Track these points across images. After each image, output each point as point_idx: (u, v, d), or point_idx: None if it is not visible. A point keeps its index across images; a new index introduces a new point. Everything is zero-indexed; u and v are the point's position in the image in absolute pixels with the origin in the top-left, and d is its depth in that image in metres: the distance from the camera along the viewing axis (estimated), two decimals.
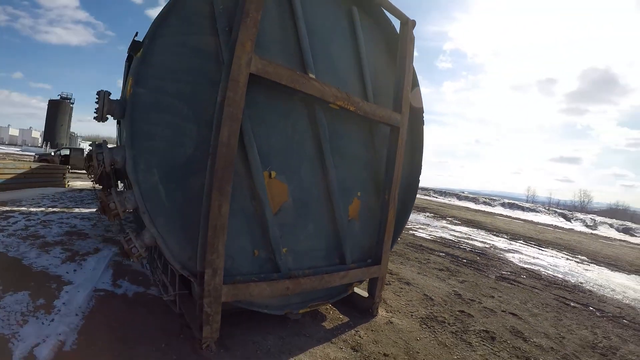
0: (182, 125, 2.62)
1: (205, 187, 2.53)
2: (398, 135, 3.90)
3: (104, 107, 2.52)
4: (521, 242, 13.69)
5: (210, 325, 2.63)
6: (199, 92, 2.65)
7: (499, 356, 3.65)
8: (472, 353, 3.62)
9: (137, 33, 2.76)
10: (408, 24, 3.83)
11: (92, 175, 2.66)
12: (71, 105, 49.20)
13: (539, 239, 15.63)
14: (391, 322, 4.06)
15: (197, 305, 2.65)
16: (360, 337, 3.54)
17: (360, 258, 4.11)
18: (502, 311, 5.10)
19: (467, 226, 16.41)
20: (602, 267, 10.43)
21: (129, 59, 2.96)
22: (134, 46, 2.56)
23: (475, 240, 12.22)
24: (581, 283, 7.80)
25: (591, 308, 5.95)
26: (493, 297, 5.75)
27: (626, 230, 26.58)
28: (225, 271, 2.65)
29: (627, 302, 6.80)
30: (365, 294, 4.28)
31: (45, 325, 2.92)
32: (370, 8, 3.84)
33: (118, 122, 3.45)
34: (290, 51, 3.12)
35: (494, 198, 44.07)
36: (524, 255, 10.45)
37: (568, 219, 29.30)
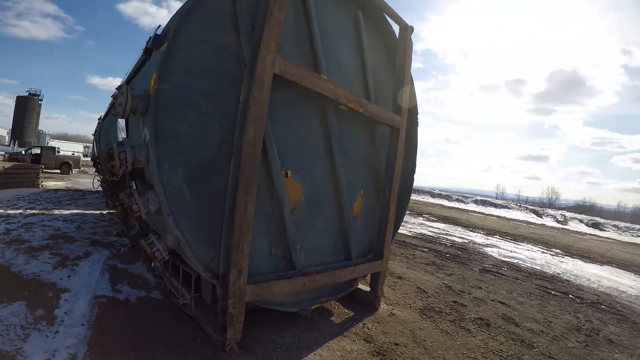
0: (205, 124, 2.62)
1: (229, 187, 2.58)
2: (398, 136, 4.15)
3: (128, 103, 2.45)
4: (497, 237, 14.40)
5: (234, 327, 2.68)
6: (220, 90, 2.66)
7: (496, 340, 3.97)
8: (473, 338, 3.92)
9: (159, 26, 2.73)
10: (407, 30, 4.09)
11: (112, 176, 2.56)
12: (40, 102, 47.30)
13: (514, 234, 16.47)
14: (393, 314, 4.30)
15: (219, 307, 2.69)
16: (368, 329, 3.75)
17: (363, 254, 4.33)
18: (492, 300, 5.47)
19: (444, 222, 17.06)
20: (576, 259, 11.19)
21: (147, 52, 2.91)
22: (157, 40, 2.55)
23: (454, 236, 12.76)
24: (558, 274, 8.39)
25: (571, 296, 6.46)
26: (481, 288, 6.13)
27: (595, 225, 28.37)
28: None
29: (603, 290, 7.41)
30: (367, 288, 4.50)
31: (50, 339, 2.76)
32: (373, 13, 4.05)
33: (126, 120, 3.45)
34: (304, 52, 3.23)
35: (466, 195, 45.66)
36: (502, 249, 11.04)
37: (539, 215, 30.88)
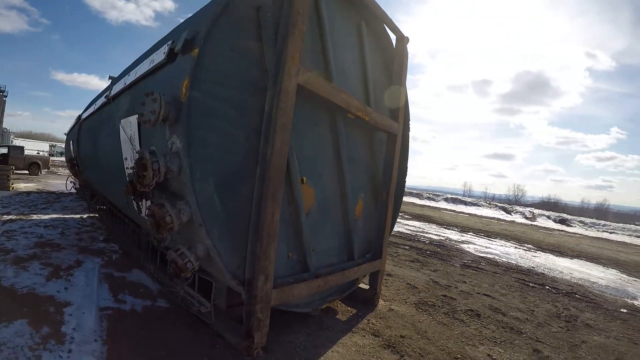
0: (232, 132, 2.69)
1: (255, 195, 2.69)
2: (395, 141, 4.47)
3: (162, 111, 2.44)
4: (471, 234, 15.15)
5: (260, 331, 2.79)
6: (245, 98, 2.74)
7: (488, 328, 4.36)
8: (468, 328, 4.29)
9: (187, 30, 2.68)
10: (404, 40, 4.41)
11: (143, 187, 2.54)
12: (4, 98, 44.31)
13: (487, 230, 17.34)
14: (392, 310, 4.60)
15: (244, 312, 2.79)
16: (373, 324, 4.02)
17: (362, 254, 4.61)
18: (477, 293, 5.91)
19: (419, 220, 17.71)
20: (548, 254, 12.02)
21: (170, 56, 2.86)
22: (187, 45, 2.56)
23: (430, 233, 13.33)
24: (533, 267, 9.04)
25: (547, 287, 7.04)
26: (465, 282, 6.57)
27: (562, 221, 30.25)
28: None
29: (575, 281, 8.10)
30: (366, 286, 4.78)
31: (64, 359, 2.64)
32: (374, 24, 4.31)
33: (139, 125, 3.47)
34: (317, 61, 3.39)
35: (437, 194, 47.17)
36: (478, 246, 11.68)
37: (508, 212, 32.48)
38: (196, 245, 2.62)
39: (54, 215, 7.89)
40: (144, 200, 3.07)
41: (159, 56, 3.01)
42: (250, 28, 2.77)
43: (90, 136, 6.53)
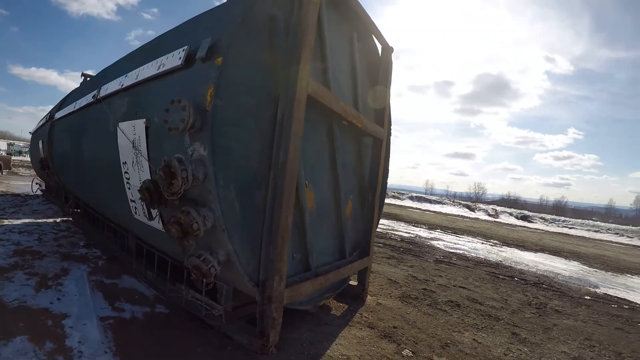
0: (249, 140, 2.81)
1: (269, 200, 2.86)
2: (381, 146, 4.81)
3: (190, 119, 2.48)
4: (439, 231, 15.91)
5: (275, 329, 2.94)
6: (259, 106, 2.86)
7: (469, 317, 4.80)
8: (451, 317, 4.71)
9: (210, 38, 2.72)
10: (389, 50, 4.75)
11: (171, 195, 2.56)
12: None
13: (454, 227, 18.23)
14: (380, 304, 4.93)
15: (257, 312, 2.95)
16: (366, 318, 4.32)
17: (351, 252, 4.90)
18: (454, 286, 6.39)
19: (387, 219, 18.33)
20: (513, 248, 12.90)
21: (188, 61, 2.88)
22: (212, 52, 2.62)
23: (400, 231, 13.91)
24: (501, 261, 9.75)
25: (516, 279, 7.68)
26: (441, 276, 7.05)
27: (524, 218, 32.18)
28: None
29: (541, 273, 8.88)
30: (354, 282, 5.09)
31: None
32: (363, 34, 4.60)
33: (146, 129, 3.28)
34: (316, 70, 3.52)
35: (402, 192, 48.57)
36: (447, 242, 12.35)
37: (472, 210, 34.08)
38: (217, 250, 2.72)
39: (26, 220, 7.60)
40: (156, 207, 3.07)
41: (172, 60, 3.03)
42: (265, 37, 2.88)
43: (68, 137, 6.31)
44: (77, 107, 5.68)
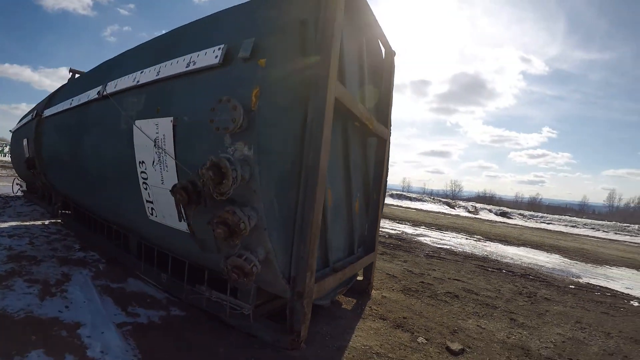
0: (284, 140, 2.90)
1: (301, 199, 2.97)
2: (386, 145, 5.08)
3: (241, 120, 2.54)
4: (424, 227, 16.41)
5: (305, 324, 3.05)
6: (290, 107, 2.95)
7: (469, 306, 5.16)
8: (452, 307, 5.04)
9: (253, 39, 2.77)
10: (392, 54, 5.02)
11: (220, 195, 2.59)
12: None
13: (437, 224, 18.82)
14: (385, 297, 5.21)
15: (288, 308, 3.06)
16: (376, 310, 4.58)
17: (358, 248, 5.15)
18: (448, 279, 6.76)
19: None
20: (497, 243, 13.51)
21: (226, 60, 2.90)
22: (256, 53, 2.68)
23: (386, 228, 14.27)
24: (487, 255, 10.27)
25: (504, 271, 8.15)
26: (435, 270, 7.41)
27: (503, 214, 33.46)
28: None
29: (526, 265, 9.43)
30: (360, 277, 5.34)
31: None
32: (371, 40, 4.83)
33: (174, 128, 3.27)
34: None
35: None
36: (433, 238, 12.81)
37: (452, 207, 35.11)
38: (257, 249, 2.80)
39: (13, 223, 7.44)
40: (194, 208, 3.04)
41: (206, 59, 3.05)
42: (297, 41, 2.96)
43: (63, 135, 6.18)
44: (75, 104, 5.55)
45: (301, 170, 3.03)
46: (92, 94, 4.92)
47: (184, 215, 3.17)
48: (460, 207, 35.65)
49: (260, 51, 2.71)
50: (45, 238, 6.60)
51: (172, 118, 3.27)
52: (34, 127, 7.61)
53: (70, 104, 5.73)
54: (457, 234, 14.99)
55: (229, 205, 2.73)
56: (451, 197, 68.04)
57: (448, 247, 11.03)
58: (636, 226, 29.80)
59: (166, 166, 3.40)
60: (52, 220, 8.10)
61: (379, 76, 5.13)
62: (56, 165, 6.96)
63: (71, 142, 5.82)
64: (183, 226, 3.42)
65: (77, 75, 7.94)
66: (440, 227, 17.06)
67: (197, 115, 3.08)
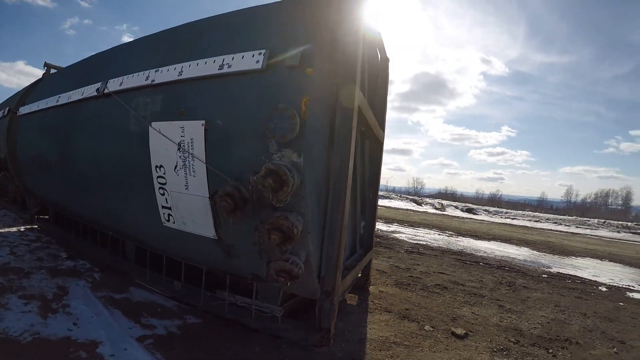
0: (320, 148, 3.03)
1: (330, 203, 3.16)
2: (381, 147, 5.45)
3: (297, 129, 2.68)
4: (396, 224, 17.01)
5: (333, 321, 3.26)
6: (323, 115, 3.09)
7: (459, 296, 5.67)
8: (445, 297, 5.52)
9: (303, 48, 2.84)
10: (387, 60, 5.38)
11: (278, 203, 2.71)
12: None
13: (408, 221, 19.55)
14: (382, 291, 5.58)
15: (317, 307, 3.26)
16: (379, 304, 4.94)
17: (359, 246, 5.46)
18: (434, 272, 7.26)
19: None
20: (468, 238, 14.33)
21: (268, 65, 2.95)
22: (304, 63, 2.78)
23: None
24: (462, 249, 10.96)
25: (481, 263, 8.82)
26: (419, 264, 7.90)
27: (469, 210, 35.05)
28: None
29: (499, 258, 10.21)
30: (359, 274, 5.67)
31: None
32: (370, 45, 4.99)
33: (205, 132, 3.27)
34: None
35: None
36: (408, 234, 13.40)
37: (419, 204, 36.34)
38: (299, 252, 2.94)
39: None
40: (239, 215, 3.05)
41: (244, 62, 3.07)
42: (327, 49, 3.06)
43: (47, 135, 5.79)
44: (64, 101, 5.21)
45: (329, 175, 3.23)
46: (89, 91, 4.65)
47: (220, 222, 3.25)
48: (427, 204, 37.00)
49: (307, 60, 2.81)
50: (27, 247, 6.31)
51: (203, 121, 3.24)
52: (6, 125, 7.19)
53: (57, 101, 5.39)
54: (429, 230, 15.71)
55: (280, 211, 2.85)
56: (413, 194, 70.19)
57: (424, 242, 11.62)
58: (595, 220, 32.65)
59: (193, 171, 3.37)
60: (28, 227, 7.79)
61: (375, 81, 5.49)
62: (35, 167, 6.53)
63: (58, 143, 5.46)
64: (207, 232, 3.47)
65: (52, 71, 7.56)
66: (412, 224, 17.76)
67: (234, 120, 3.14)
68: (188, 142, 3.38)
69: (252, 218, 3.02)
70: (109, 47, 5.44)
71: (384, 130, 5.49)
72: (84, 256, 5.93)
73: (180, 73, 3.54)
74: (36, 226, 7.71)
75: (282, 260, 2.88)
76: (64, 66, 7.01)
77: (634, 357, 4.04)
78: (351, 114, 3.17)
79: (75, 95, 4.99)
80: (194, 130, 3.32)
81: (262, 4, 3.60)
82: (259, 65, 2.98)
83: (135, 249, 4.88)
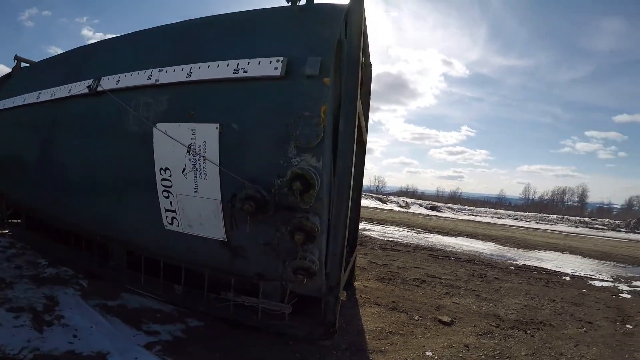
0: (330, 151, 3.19)
1: (334, 203, 3.31)
2: (365, 149, 5.80)
3: (322, 135, 2.91)
4: (365, 222, 17.43)
5: (337, 315, 3.48)
6: (331, 120, 3.21)
7: (438, 287, 6.15)
8: (425, 290, 5.97)
9: (320, 59, 3.00)
10: (370, 66, 5.71)
11: (305, 205, 2.89)
12: None
13: (376, 219, 20.11)
14: (367, 286, 5.91)
15: (324, 302, 3.47)
16: (367, 297, 5.26)
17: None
18: (410, 267, 7.71)
19: None
20: (436, 234, 15.03)
21: (287, 73, 3.09)
22: (323, 73, 2.96)
23: None
24: (432, 245, 11.57)
25: (452, 258, 9.43)
26: (395, 260, 8.32)
27: (433, 208, 36.39)
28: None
29: (468, 252, 10.91)
30: None
31: None
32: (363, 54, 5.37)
33: (219, 135, 3.36)
34: None
35: None
36: (378, 232, 13.85)
37: (384, 202, 37.27)
38: (314, 251, 3.15)
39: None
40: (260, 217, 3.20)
41: (260, 68, 3.16)
42: (337, 59, 3.22)
43: (25, 134, 5.46)
44: (46, 98, 4.93)
45: (333, 177, 3.39)
46: (78, 88, 4.42)
47: (233, 224, 3.35)
48: (391, 202, 38.04)
49: (324, 69, 3.01)
50: (1, 254, 6.11)
51: (217, 125, 3.29)
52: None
53: (37, 97, 5.09)
54: (398, 228, 16.33)
55: (300, 213, 3.07)
56: (375, 192, 71.62)
57: (395, 239, 12.12)
58: (555, 216, 35.27)
59: (204, 174, 3.39)
60: None
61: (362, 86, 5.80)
62: (9, 169, 6.13)
63: (38, 143, 5.17)
64: (216, 234, 3.55)
65: (23, 64, 7.17)
66: (380, 222, 18.32)
67: (251, 124, 3.25)
68: (199, 145, 3.38)
69: (265, 220, 3.16)
70: (69, 40, 5.25)
71: (367, 132, 5.83)
72: (65, 262, 5.77)
73: (189, 74, 3.52)
74: (7, 231, 7.40)
75: (299, 259, 3.08)
76: (36, 60, 6.72)
77: (601, 335, 4.64)
78: (354, 120, 3.38)
79: (60, 92, 4.71)
80: (207, 133, 3.33)
81: (263, 7, 3.77)
82: (277, 72, 3.08)
83: (126, 254, 4.76)
